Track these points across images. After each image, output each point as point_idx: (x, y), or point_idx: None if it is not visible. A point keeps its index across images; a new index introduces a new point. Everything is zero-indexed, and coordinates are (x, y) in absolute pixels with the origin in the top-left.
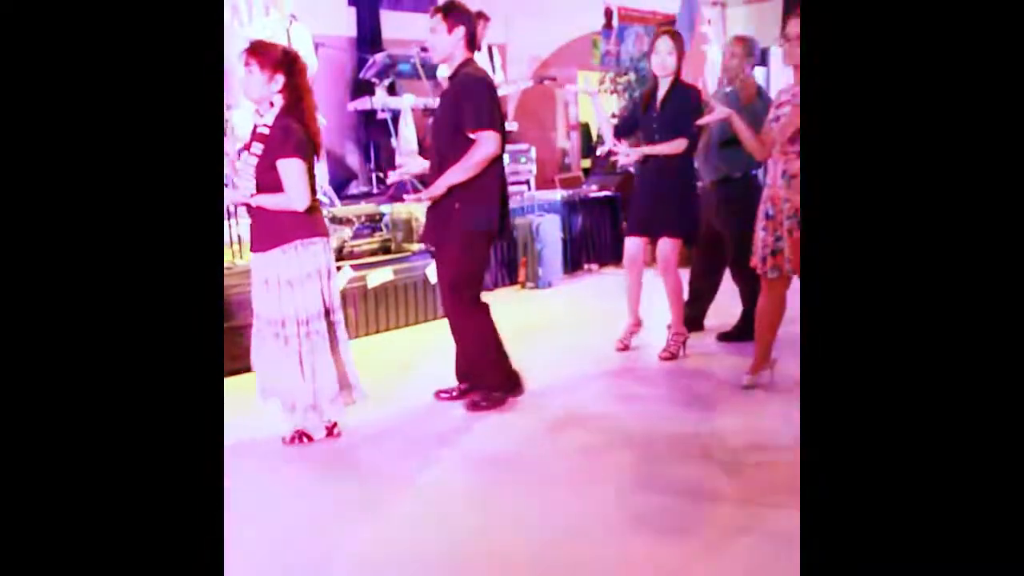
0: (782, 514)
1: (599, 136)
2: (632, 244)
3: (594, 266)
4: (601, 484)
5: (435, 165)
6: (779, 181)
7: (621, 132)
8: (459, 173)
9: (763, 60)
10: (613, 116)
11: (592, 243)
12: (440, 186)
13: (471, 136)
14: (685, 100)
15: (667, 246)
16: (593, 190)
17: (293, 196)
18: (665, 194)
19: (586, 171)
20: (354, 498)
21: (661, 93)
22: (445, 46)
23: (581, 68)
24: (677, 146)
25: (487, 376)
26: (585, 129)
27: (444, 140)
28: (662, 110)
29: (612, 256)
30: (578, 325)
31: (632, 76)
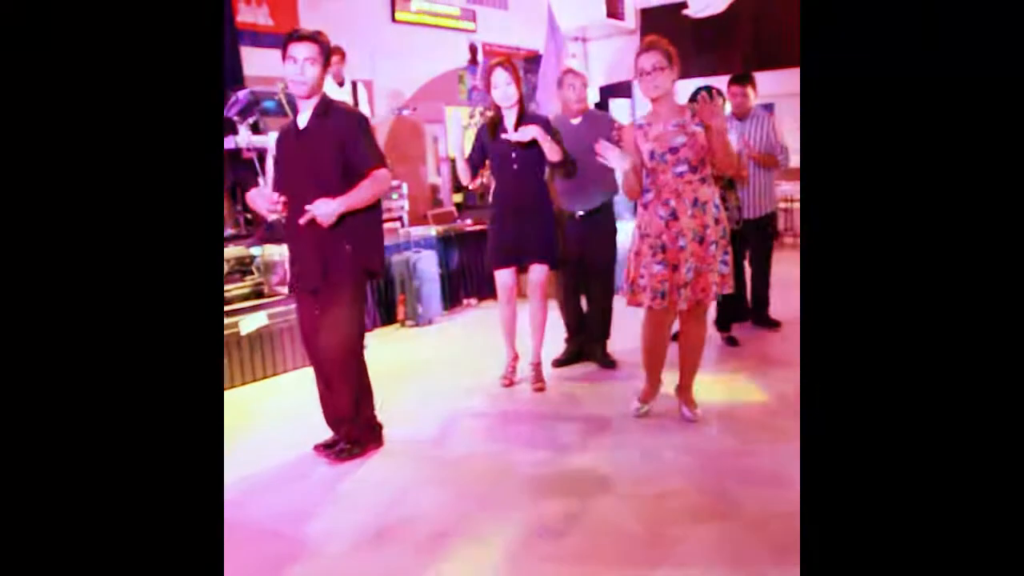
0: (686, 548)
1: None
2: (506, 275)
3: (473, 300)
4: (494, 528)
5: (308, 201)
6: (689, 211)
7: (474, 164)
8: (356, 199)
9: (628, 92)
10: None
11: (470, 277)
12: (333, 211)
13: (369, 173)
14: (538, 124)
15: (541, 273)
16: (468, 224)
17: None
18: (532, 222)
19: (459, 205)
20: (238, 559)
21: (511, 121)
22: (318, 80)
23: (448, 104)
24: (558, 151)
25: (356, 426)
26: (455, 163)
27: (325, 176)
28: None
29: (491, 290)
30: (461, 361)
31: None
